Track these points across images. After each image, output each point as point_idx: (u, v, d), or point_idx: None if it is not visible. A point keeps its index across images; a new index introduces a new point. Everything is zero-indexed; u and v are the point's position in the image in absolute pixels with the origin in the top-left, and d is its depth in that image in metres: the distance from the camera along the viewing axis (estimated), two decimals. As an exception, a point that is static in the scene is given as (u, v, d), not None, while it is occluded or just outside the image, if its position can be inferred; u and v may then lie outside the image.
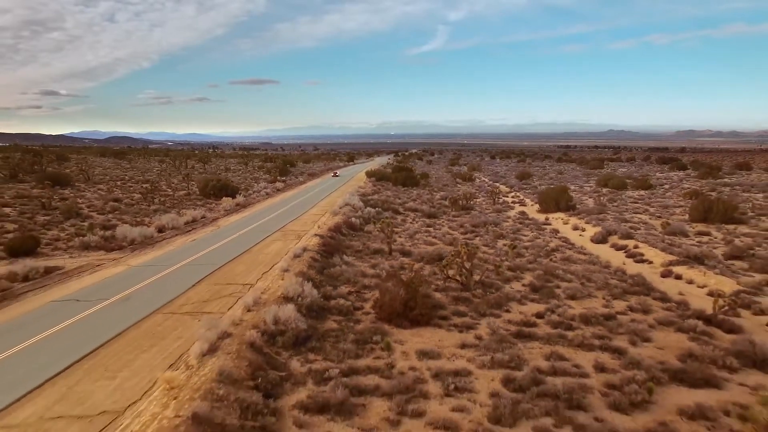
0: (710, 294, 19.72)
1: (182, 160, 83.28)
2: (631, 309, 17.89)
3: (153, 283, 18.42)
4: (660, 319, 16.74)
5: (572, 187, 63.37)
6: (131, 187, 50.53)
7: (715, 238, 32.25)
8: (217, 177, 52.84)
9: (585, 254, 27.71)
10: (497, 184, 68.55)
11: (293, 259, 21.01)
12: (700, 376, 12.13)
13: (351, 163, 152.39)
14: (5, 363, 11.63)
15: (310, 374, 11.93)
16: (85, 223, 29.86)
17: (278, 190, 55.95)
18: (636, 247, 28.99)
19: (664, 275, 23.64)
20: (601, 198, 52.82)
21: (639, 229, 34.96)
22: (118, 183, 52.92)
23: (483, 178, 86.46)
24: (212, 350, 11.89)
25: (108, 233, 26.13)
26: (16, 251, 21.86)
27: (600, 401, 11.20)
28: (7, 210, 32.46)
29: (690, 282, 22.22)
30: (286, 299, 15.26)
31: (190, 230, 30.34)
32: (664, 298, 19.31)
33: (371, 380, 11.79)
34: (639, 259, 26.76)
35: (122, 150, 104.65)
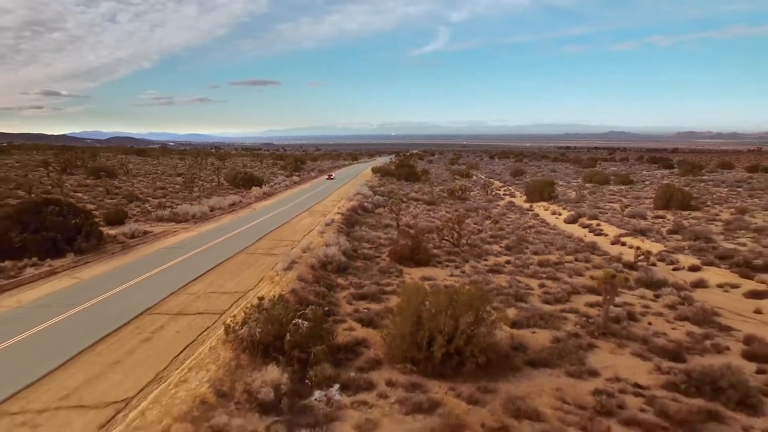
0: (639, 252, 26.27)
1: (203, 157, 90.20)
2: (577, 260, 24.49)
3: (226, 240, 25.07)
4: (595, 265, 23.33)
5: (560, 183, 69.85)
6: (167, 178, 57.25)
7: (668, 220, 38.75)
8: (243, 170, 59.50)
9: (554, 230, 34.29)
10: (491, 180, 75.12)
11: (325, 226, 27.63)
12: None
13: (355, 162, 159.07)
14: (169, 271, 18.37)
15: (351, 284, 18.53)
16: (146, 205, 36.47)
17: (295, 182, 62.68)
18: (598, 225, 35.58)
19: (613, 243, 30.21)
20: (583, 191, 59.34)
21: (606, 213, 41.51)
22: (154, 176, 59.60)
23: (479, 175, 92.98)
24: (288, 268, 18.51)
25: (173, 210, 32.75)
26: (111, 221, 28.50)
27: (537, 299, 17.78)
28: (80, 194, 39.09)
29: (630, 246, 28.77)
30: (328, 245, 21.86)
31: (232, 210, 36.99)
32: (604, 255, 25.93)
33: (390, 288, 18.38)
34: (598, 232, 33.36)
35: (142, 149, 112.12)
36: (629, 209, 42.62)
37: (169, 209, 33.44)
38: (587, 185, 68.65)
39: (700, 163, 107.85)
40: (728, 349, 13.10)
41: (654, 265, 24.15)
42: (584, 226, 36.27)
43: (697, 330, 14.67)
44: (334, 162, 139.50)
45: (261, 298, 11.69)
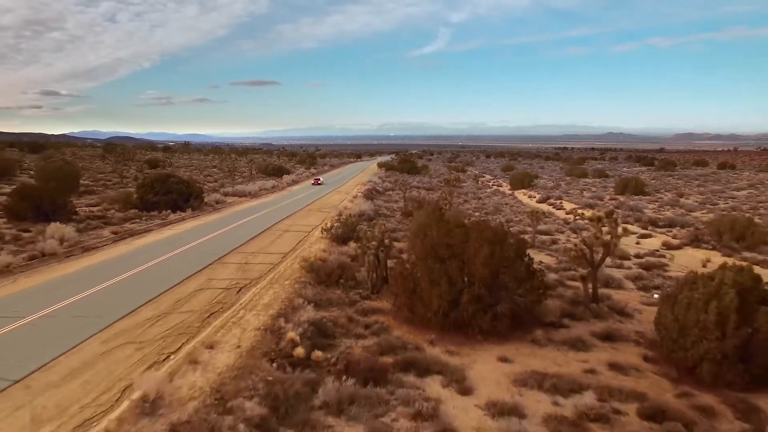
0: (582, 218, 36.37)
1: (227, 153, 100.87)
2: (531, 220, 34.61)
3: (284, 206, 35.25)
4: (544, 221, 33.44)
5: (545, 176, 80.00)
6: (205, 169, 67.44)
7: (621, 200, 48.85)
8: (272, 163, 69.77)
9: (525, 206, 44.45)
10: (484, 174, 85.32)
11: (353, 198, 37.80)
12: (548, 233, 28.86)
13: (359, 159, 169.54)
14: (262, 216, 28.62)
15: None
16: (205, 186, 46.50)
17: (314, 174, 72.88)
18: (560, 202, 45.71)
19: (567, 213, 40.33)
20: (560, 182, 69.48)
21: (571, 196, 51.67)
22: (193, 168, 69.80)
23: (473, 170, 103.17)
24: (337, 217, 28.70)
25: (233, 188, 42.90)
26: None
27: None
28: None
29: (577, 214, 38.87)
30: (361, 207, 32.02)
31: (274, 191, 47.15)
32: (553, 218, 36.06)
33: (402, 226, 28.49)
34: (558, 207, 43.50)
35: (167, 146, 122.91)
36: (592, 193, 52.78)
37: (229, 188, 43.55)
38: (566, 178, 78.80)
39: (675, 162, 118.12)
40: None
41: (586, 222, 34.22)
42: (550, 204, 46.41)
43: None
44: (340, 159, 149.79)
45: (339, 215, 21.85)
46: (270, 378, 8.65)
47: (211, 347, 9.78)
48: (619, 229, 14.40)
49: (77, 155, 75.56)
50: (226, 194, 41.32)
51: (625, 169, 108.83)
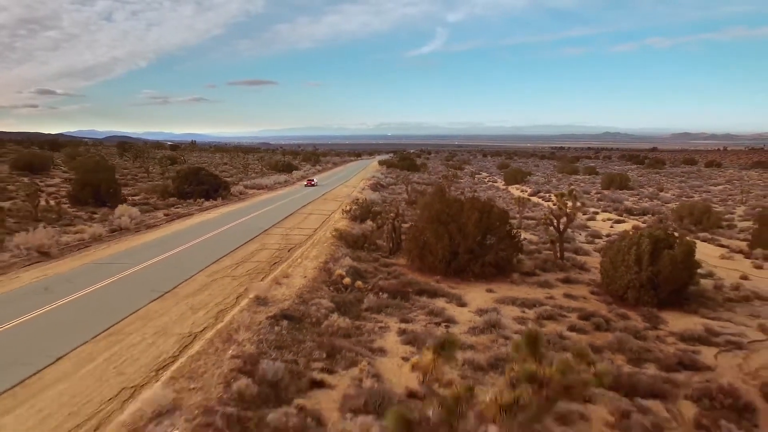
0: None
1: (234, 152, 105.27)
2: (518, 206, 39.06)
3: (301, 196, 39.66)
4: (533, 209, 37.84)
5: (539, 174, 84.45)
6: (217, 166, 71.70)
7: (605, 194, 53.35)
8: (281, 160, 74.17)
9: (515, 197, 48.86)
10: (480, 171, 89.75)
11: (362, 190, 42.21)
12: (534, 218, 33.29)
13: (359, 158, 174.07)
14: (288, 203, 33.13)
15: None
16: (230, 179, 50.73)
17: (320, 171, 77.28)
18: (550, 195, 50.11)
19: (553, 204, 44.76)
20: (552, 178, 73.97)
21: (561, 190, 56.17)
22: (205, 165, 73.94)
23: (471, 168, 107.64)
24: (353, 202, 33.11)
25: (251, 182, 47.22)
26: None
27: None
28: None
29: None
30: (370, 196, 36.38)
31: (286, 185, 51.51)
32: (540, 208, 40.48)
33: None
34: (547, 199, 47.90)
35: (175, 145, 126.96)
36: (581, 188, 57.27)
37: (248, 181, 47.85)
38: (558, 175, 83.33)
39: (664, 160, 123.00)
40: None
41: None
42: (540, 197, 50.84)
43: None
44: (341, 158, 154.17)
45: (356, 200, 26.26)
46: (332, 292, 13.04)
47: (286, 276, 14.11)
48: (578, 203, 18.72)
49: (97, 153, 79.64)
50: (246, 186, 45.59)
51: (616, 167, 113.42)
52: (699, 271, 15.70)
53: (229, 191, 37.36)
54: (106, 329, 10.25)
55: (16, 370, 8.23)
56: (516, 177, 65.79)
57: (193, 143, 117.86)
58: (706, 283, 16.46)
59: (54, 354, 8.91)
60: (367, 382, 8.21)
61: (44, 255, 17.05)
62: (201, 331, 10.19)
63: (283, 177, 55.27)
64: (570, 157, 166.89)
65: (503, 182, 69.13)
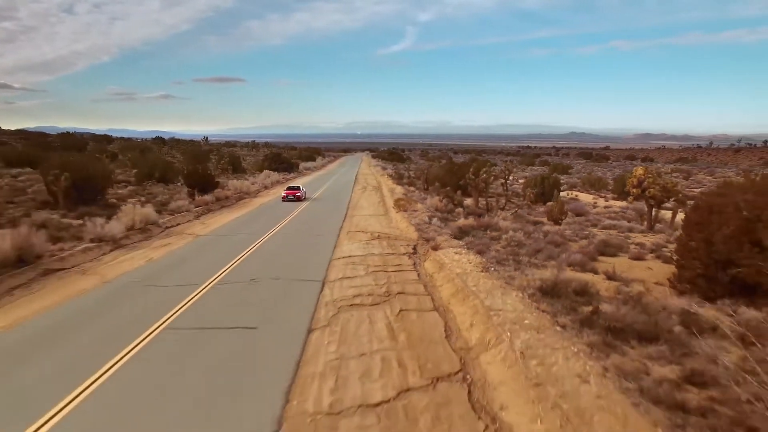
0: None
1: (240, 147, 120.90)
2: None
3: (341, 174, 56.81)
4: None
5: (501, 167, 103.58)
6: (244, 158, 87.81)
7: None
8: (283, 157, 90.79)
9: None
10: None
11: (383, 170, 59.81)
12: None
13: (347, 154, 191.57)
14: (341, 177, 50.54)
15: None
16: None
17: (323, 166, 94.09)
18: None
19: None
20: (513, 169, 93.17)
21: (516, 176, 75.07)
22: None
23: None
24: (395, 173, 50.61)
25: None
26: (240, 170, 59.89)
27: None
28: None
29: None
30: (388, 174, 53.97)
31: (296, 177, 68.43)
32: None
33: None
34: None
35: (163, 140, 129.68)
36: (532, 174, 76.21)
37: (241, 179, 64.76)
38: (519, 166, 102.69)
39: (608, 156, 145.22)
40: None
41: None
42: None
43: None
44: (336, 155, 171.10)
45: (396, 171, 43.98)
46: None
47: (405, 210, 31.59)
48: (511, 177, 36.98)
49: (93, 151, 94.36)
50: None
51: (569, 161, 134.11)
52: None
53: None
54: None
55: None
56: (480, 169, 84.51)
57: (205, 139, 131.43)
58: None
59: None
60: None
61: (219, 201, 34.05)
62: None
63: (310, 163, 72.26)
64: (532, 154, 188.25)
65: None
